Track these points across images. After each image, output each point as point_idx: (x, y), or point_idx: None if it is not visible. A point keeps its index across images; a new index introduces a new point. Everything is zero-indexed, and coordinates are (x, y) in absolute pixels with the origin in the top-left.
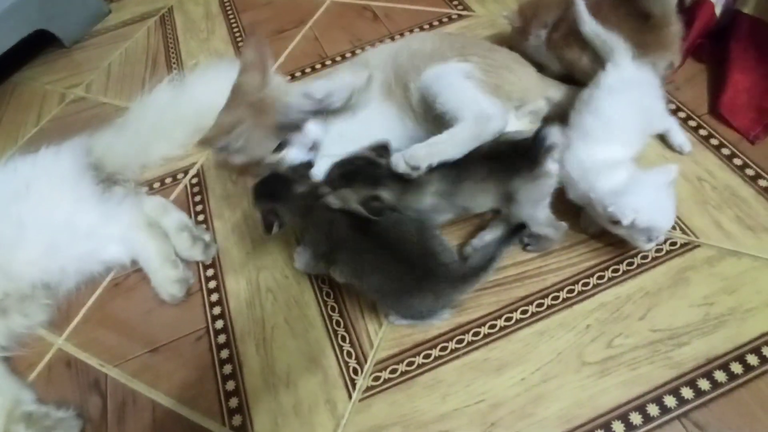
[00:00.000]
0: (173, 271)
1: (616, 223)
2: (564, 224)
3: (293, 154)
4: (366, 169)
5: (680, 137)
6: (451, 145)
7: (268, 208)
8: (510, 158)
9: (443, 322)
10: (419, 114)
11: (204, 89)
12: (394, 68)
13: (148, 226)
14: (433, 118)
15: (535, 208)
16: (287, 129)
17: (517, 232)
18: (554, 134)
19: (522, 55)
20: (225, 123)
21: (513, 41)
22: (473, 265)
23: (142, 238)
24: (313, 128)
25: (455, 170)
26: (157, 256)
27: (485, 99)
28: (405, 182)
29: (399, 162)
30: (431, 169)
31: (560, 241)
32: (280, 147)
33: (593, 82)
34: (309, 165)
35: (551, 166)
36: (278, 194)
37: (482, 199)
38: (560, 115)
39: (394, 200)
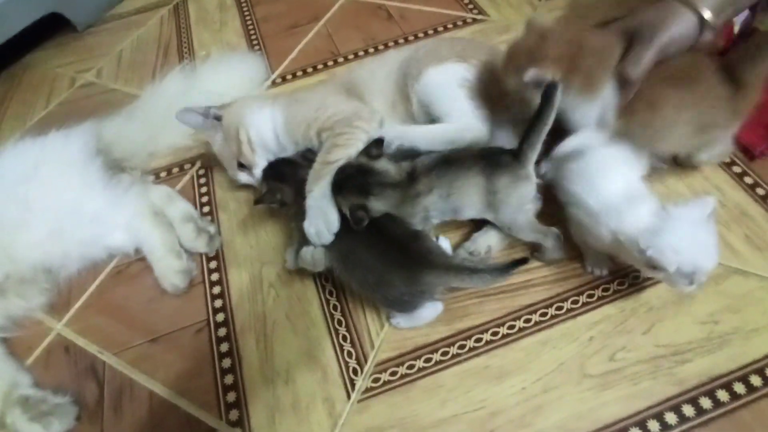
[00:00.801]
0: (177, 261)
1: (656, 268)
2: (554, 230)
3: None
4: (356, 177)
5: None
6: (424, 138)
7: (275, 185)
8: (498, 157)
9: (444, 326)
10: (421, 123)
11: (215, 81)
12: (400, 79)
13: (153, 215)
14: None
15: (517, 212)
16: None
17: (516, 265)
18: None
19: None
20: None
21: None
22: (451, 258)
23: (147, 226)
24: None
25: (451, 168)
26: (161, 245)
27: (473, 110)
28: (403, 189)
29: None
30: (429, 170)
31: (560, 251)
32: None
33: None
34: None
35: (531, 170)
36: (285, 175)
37: (473, 196)
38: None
39: (386, 208)
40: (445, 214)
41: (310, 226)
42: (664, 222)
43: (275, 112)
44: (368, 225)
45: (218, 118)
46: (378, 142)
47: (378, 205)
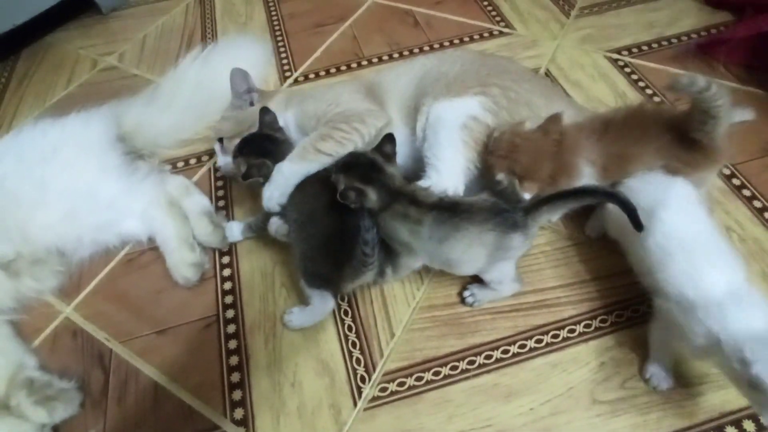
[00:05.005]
0: (190, 254)
1: (756, 388)
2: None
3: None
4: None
5: None
6: None
7: (257, 161)
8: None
9: (455, 340)
10: (420, 140)
11: (223, 67)
12: (419, 89)
13: (169, 206)
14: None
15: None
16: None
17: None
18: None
19: None
20: None
21: None
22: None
23: (162, 216)
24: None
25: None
26: (175, 236)
27: (460, 162)
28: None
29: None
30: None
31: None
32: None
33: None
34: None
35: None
36: (267, 150)
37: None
38: None
39: (374, 205)
40: (434, 262)
41: (268, 190)
42: None
43: (287, 115)
44: (334, 212)
45: (252, 104)
46: (390, 139)
47: (372, 196)
